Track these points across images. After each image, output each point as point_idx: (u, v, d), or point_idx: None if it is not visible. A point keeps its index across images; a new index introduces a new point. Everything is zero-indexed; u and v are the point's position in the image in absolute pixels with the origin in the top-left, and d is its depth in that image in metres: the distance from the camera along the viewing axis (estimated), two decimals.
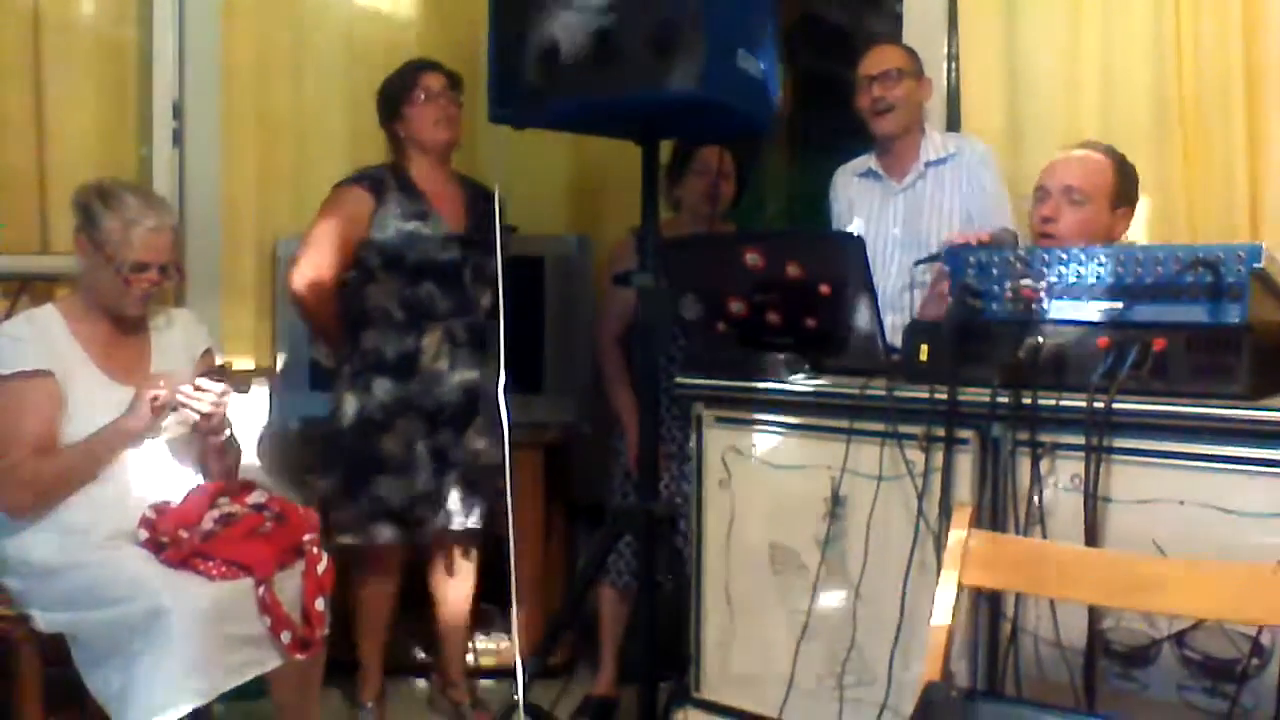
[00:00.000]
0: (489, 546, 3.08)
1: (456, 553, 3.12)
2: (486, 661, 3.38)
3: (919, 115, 2.91)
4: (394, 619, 3.13)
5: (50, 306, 2.58)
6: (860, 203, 2.96)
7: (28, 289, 2.94)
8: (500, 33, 2.27)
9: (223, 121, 3.34)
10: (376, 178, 2.97)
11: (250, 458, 2.95)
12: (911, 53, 2.92)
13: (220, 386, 2.49)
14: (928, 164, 2.86)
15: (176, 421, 2.54)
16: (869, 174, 2.95)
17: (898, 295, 2.74)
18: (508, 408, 2.37)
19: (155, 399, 2.42)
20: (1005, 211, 2.77)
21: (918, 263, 2.47)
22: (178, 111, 3.29)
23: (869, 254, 2.79)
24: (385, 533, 2.93)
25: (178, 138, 3.30)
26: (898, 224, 2.87)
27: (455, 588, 3.16)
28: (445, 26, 3.68)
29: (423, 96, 2.96)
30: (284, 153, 3.49)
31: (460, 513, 2.97)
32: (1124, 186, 2.41)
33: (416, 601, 3.20)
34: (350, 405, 2.95)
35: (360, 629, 3.08)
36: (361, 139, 3.48)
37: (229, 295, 3.36)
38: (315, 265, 2.94)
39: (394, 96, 3.00)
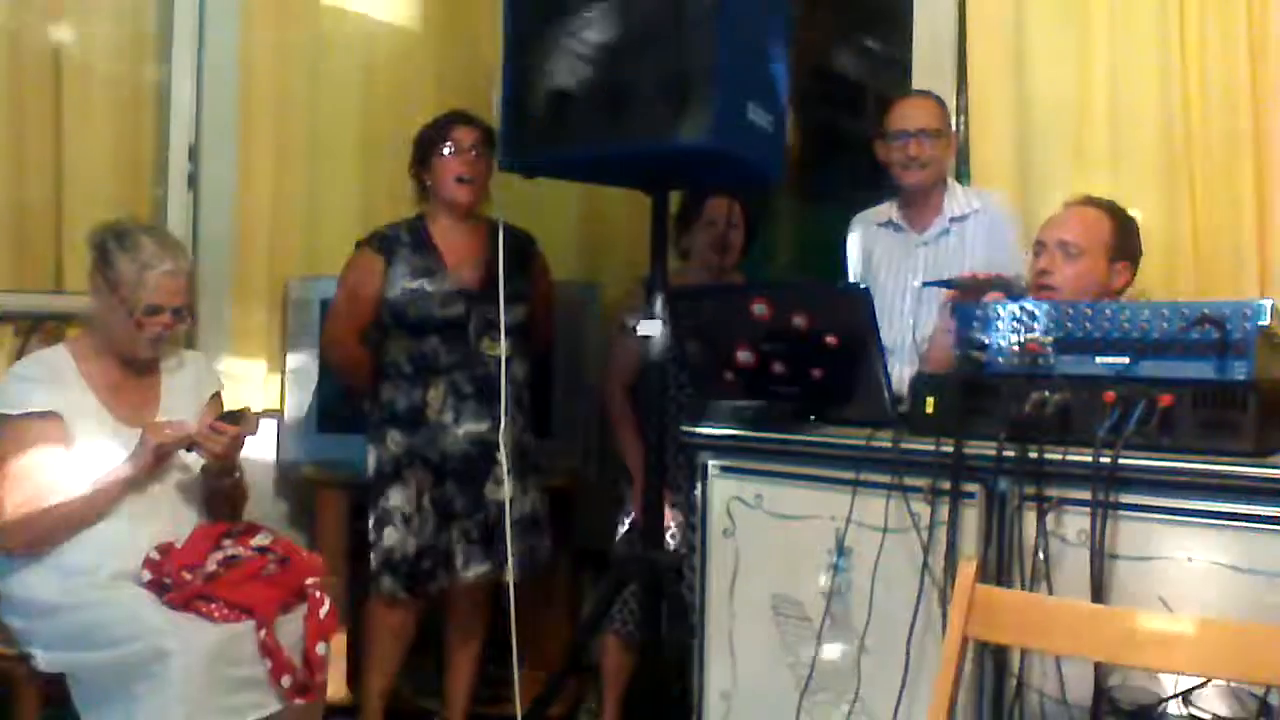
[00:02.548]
0: (493, 595, 3.08)
1: (470, 602, 3.11)
2: (489, 710, 3.35)
3: (945, 170, 2.92)
4: (400, 666, 3.12)
5: (61, 347, 2.59)
6: (880, 252, 2.95)
7: (40, 327, 2.95)
8: (512, 82, 2.29)
9: (237, 164, 3.37)
10: (389, 238, 3.01)
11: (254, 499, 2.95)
12: (944, 106, 2.92)
13: (235, 429, 2.51)
14: (952, 219, 2.86)
15: (183, 463, 2.55)
16: (890, 224, 2.95)
17: (915, 347, 2.74)
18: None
19: (160, 446, 2.43)
20: (1022, 265, 2.77)
21: (926, 284, 2.46)
22: (193, 154, 3.32)
23: (889, 305, 2.82)
24: (387, 583, 2.93)
25: (193, 180, 3.33)
26: (918, 276, 2.85)
27: (466, 637, 3.15)
28: (462, 72, 3.72)
29: (450, 149, 2.98)
30: (297, 195, 3.53)
31: (476, 564, 2.96)
32: (1122, 240, 2.43)
33: (421, 647, 3.18)
34: (371, 456, 3.01)
35: (366, 670, 3.08)
36: (374, 183, 3.52)
37: (240, 337, 3.37)
38: (333, 323, 3.08)
39: (425, 146, 3.03)
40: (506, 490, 2.87)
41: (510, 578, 2.84)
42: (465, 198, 3.00)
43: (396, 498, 2.94)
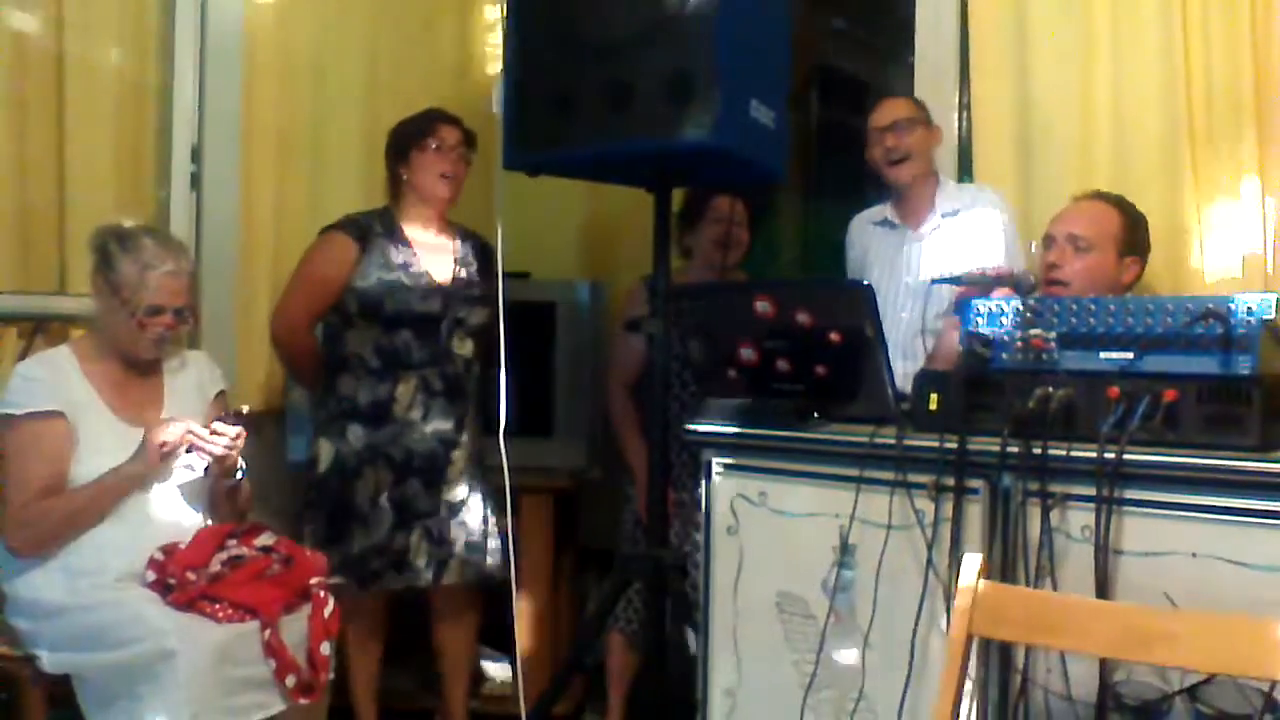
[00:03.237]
0: (495, 592, 3.07)
1: (455, 601, 3.10)
2: (492, 708, 3.35)
3: (932, 163, 2.93)
4: (382, 665, 3.12)
5: (65, 347, 2.59)
6: (876, 250, 2.97)
7: (43, 329, 2.95)
8: (514, 80, 2.29)
9: (240, 165, 3.37)
10: (363, 225, 3.01)
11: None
12: (919, 103, 2.95)
13: (236, 430, 2.51)
14: (944, 215, 2.87)
15: (186, 464, 2.55)
16: (884, 222, 2.97)
17: (910, 342, 2.75)
18: (508, 454, 2.40)
19: (163, 445, 2.43)
20: (1020, 258, 2.78)
21: (935, 281, 2.47)
22: (196, 155, 3.32)
23: (883, 301, 2.82)
24: (358, 581, 2.91)
25: (196, 181, 3.33)
26: (912, 272, 2.87)
27: (455, 636, 3.14)
28: (465, 76, 3.73)
29: (434, 145, 2.99)
30: (300, 195, 3.52)
31: (432, 567, 2.94)
32: (1131, 235, 2.43)
33: (420, 647, 3.18)
34: (326, 451, 2.97)
35: (350, 670, 3.07)
36: (378, 184, 3.51)
37: (243, 338, 3.37)
38: (292, 309, 3.02)
39: (406, 139, 3.03)
40: (507, 491, 2.84)
41: (511, 576, 2.81)
42: (446, 194, 3.02)
43: (359, 494, 2.92)
